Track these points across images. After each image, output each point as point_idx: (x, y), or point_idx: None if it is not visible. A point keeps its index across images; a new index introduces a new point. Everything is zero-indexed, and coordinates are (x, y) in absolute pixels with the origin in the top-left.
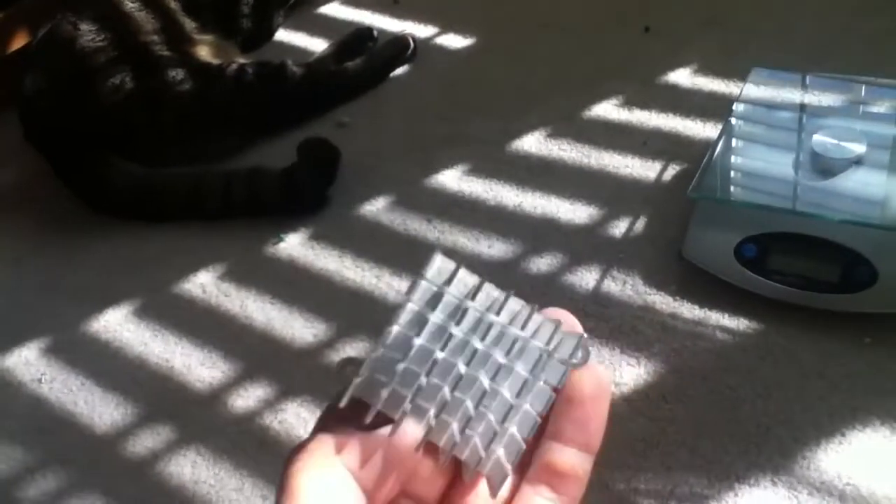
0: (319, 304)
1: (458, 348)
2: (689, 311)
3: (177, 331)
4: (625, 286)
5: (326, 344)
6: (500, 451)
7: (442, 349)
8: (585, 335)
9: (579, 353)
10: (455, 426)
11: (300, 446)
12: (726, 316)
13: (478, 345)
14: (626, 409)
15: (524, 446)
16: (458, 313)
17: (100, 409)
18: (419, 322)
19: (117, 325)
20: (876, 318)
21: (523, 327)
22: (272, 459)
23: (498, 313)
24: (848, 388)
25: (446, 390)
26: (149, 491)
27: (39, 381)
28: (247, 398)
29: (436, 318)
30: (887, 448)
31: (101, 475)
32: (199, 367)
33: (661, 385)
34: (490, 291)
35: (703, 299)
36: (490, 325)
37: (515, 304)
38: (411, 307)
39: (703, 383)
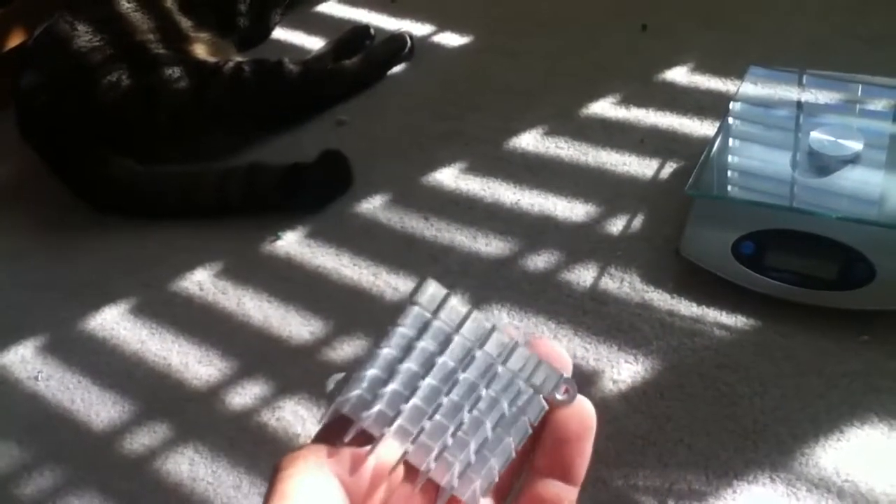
0: (316, 302)
1: (444, 376)
2: (687, 308)
3: (174, 328)
4: (622, 284)
5: (323, 342)
6: (476, 481)
7: (429, 375)
8: (566, 375)
9: (562, 389)
10: (435, 450)
11: (288, 460)
12: (724, 313)
13: (464, 374)
14: (623, 407)
15: (497, 476)
16: (446, 341)
17: (96, 407)
18: (408, 346)
19: (114, 322)
20: (873, 315)
21: (508, 360)
22: (270, 457)
23: (485, 344)
24: (846, 386)
25: (429, 415)
26: (146, 488)
27: (36, 378)
28: (244, 395)
29: (425, 343)
30: (885, 445)
31: (97, 473)
32: (196, 364)
33: (658, 382)
34: (480, 321)
35: (701, 296)
36: (477, 356)
37: (503, 336)
38: (402, 331)
39: (700, 380)
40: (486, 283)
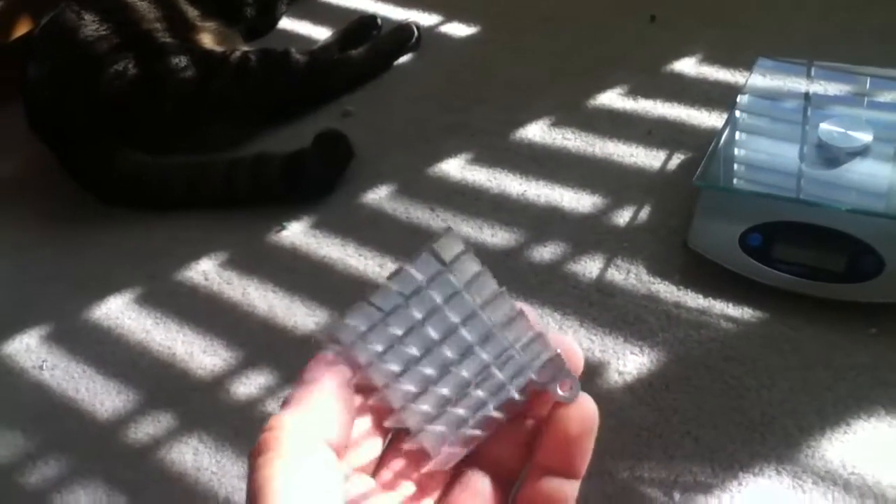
0: (322, 292)
1: (442, 330)
2: (694, 300)
3: (179, 318)
4: (629, 275)
5: None
6: (451, 447)
7: (428, 325)
8: (569, 369)
9: (566, 385)
10: (426, 415)
11: (263, 443)
12: (731, 305)
13: (464, 335)
14: (629, 398)
15: (462, 451)
16: (453, 299)
17: (101, 396)
18: (414, 294)
19: (119, 312)
20: (882, 308)
21: (510, 330)
22: None
23: (492, 311)
24: (853, 379)
25: (416, 361)
26: (150, 478)
27: (41, 367)
28: (249, 385)
29: (432, 295)
30: (892, 438)
31: (102, 462)
32: (200, 354)
33: (664, 374)
34: (492, 285)
35: (708, 288)
36: (479, 321)
37: (511, 305)
38: (412, 277)
39: (706, 372)
40: (492, 273)
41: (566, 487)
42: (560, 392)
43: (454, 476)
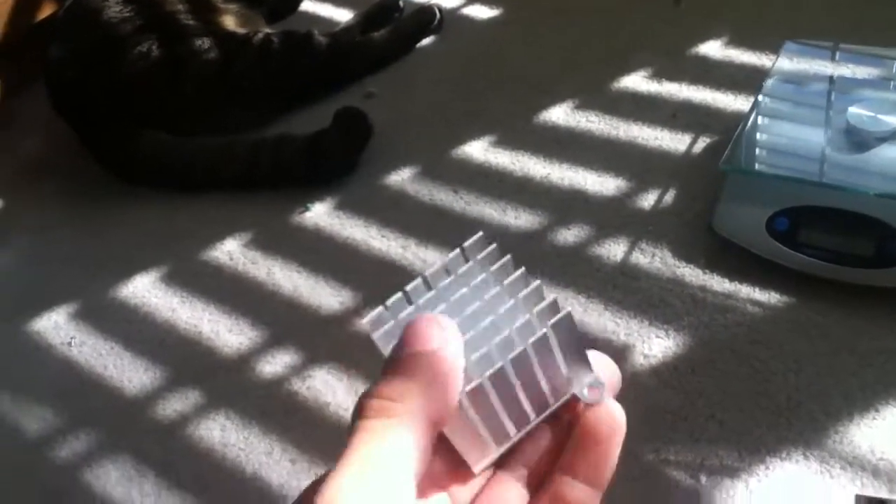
0: (345, 273)
1: (473, 320)
2: (719, 284)
3: (204, 297)
4: (653, 259)
5: (353, 312)
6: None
7: (468, 318)
8: (569, 310)
9: (595, 391)
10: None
11: (377, 408)
12: (757, 289)
13: (501, 325)
14: (654, 381)
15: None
16: (494, 298)
17: (129, 373)
18: (446, 288)
19: (146, 291)
20: None
21: (528, 302)
22: (301, 425)
23: (515, 290)
24: (881, 364)
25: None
26: (178, 453)
27: (69, 344)
28: (274, 364)
29: (464, 289)
30: None
31: (130, 438)
32: (226, 333)
33: (690, 357)
34: (515, 273)
35: (733, 272)
36: (505, 302)
37: (529, 281)
38: (443, 275)
39: (732, 356)
40: (515, 256)
41: (587, 497)
42: (587, 394)
43: (485, 481)
